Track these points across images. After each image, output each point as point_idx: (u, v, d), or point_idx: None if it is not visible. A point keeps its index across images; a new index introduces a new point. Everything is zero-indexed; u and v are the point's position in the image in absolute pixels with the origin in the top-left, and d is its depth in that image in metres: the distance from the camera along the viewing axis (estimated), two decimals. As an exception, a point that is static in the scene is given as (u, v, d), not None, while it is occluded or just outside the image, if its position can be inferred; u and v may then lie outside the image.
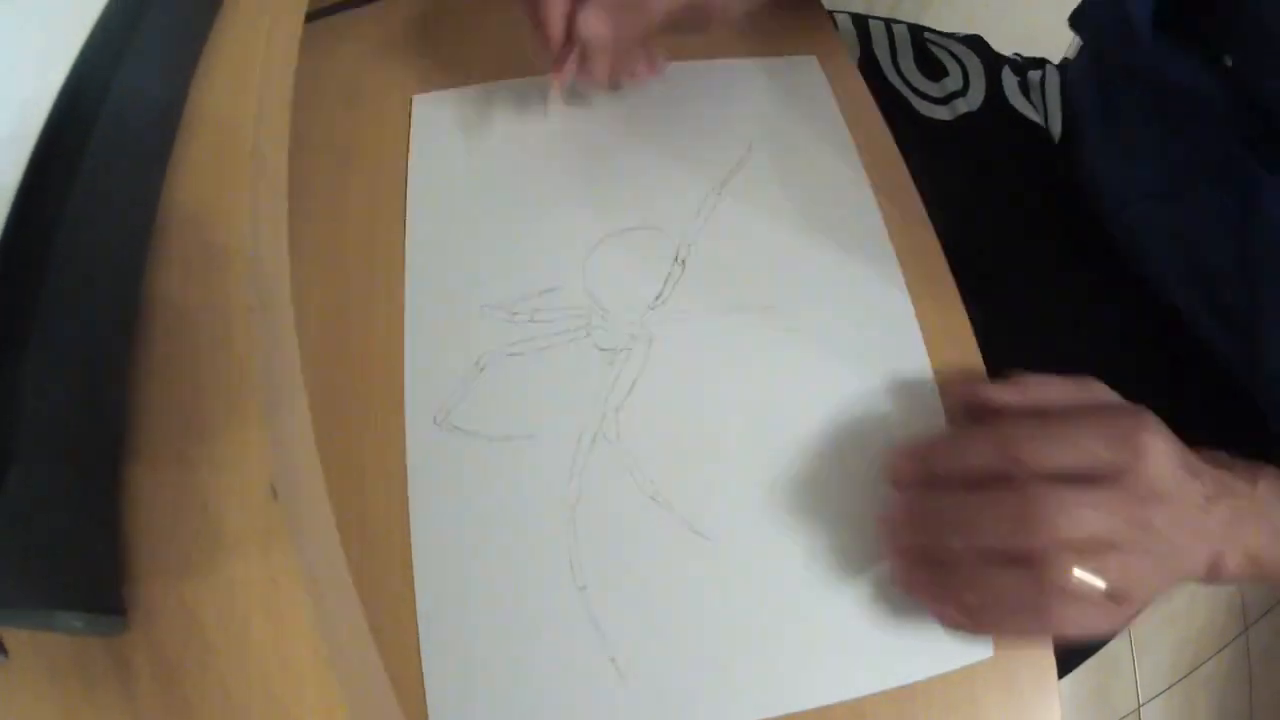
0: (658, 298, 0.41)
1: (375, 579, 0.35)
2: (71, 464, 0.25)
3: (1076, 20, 0.49)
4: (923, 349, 0.41)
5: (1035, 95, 0.61)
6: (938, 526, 0.35)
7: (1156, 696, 1.19)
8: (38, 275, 0.26)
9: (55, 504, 0.24)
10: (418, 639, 0.35)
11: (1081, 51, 0.59)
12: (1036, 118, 0.59)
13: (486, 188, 0.44)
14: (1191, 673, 1.21)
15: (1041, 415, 0.36)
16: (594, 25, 0.38)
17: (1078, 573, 0.32)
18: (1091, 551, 0.33)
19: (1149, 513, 0.34)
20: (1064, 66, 0.62)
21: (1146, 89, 0.47)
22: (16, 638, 0.24)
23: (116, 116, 0.29)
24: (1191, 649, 1.21)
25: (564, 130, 0.46)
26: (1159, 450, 0.34)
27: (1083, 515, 0.33)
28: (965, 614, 0.35)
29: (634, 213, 0.43)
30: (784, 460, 0.38)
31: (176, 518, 0.25)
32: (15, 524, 0.23)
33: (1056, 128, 0.59)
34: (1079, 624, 0.33)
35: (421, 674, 0.34)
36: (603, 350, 0.40)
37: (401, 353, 0.39)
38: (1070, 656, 0.51)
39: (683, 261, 0.42)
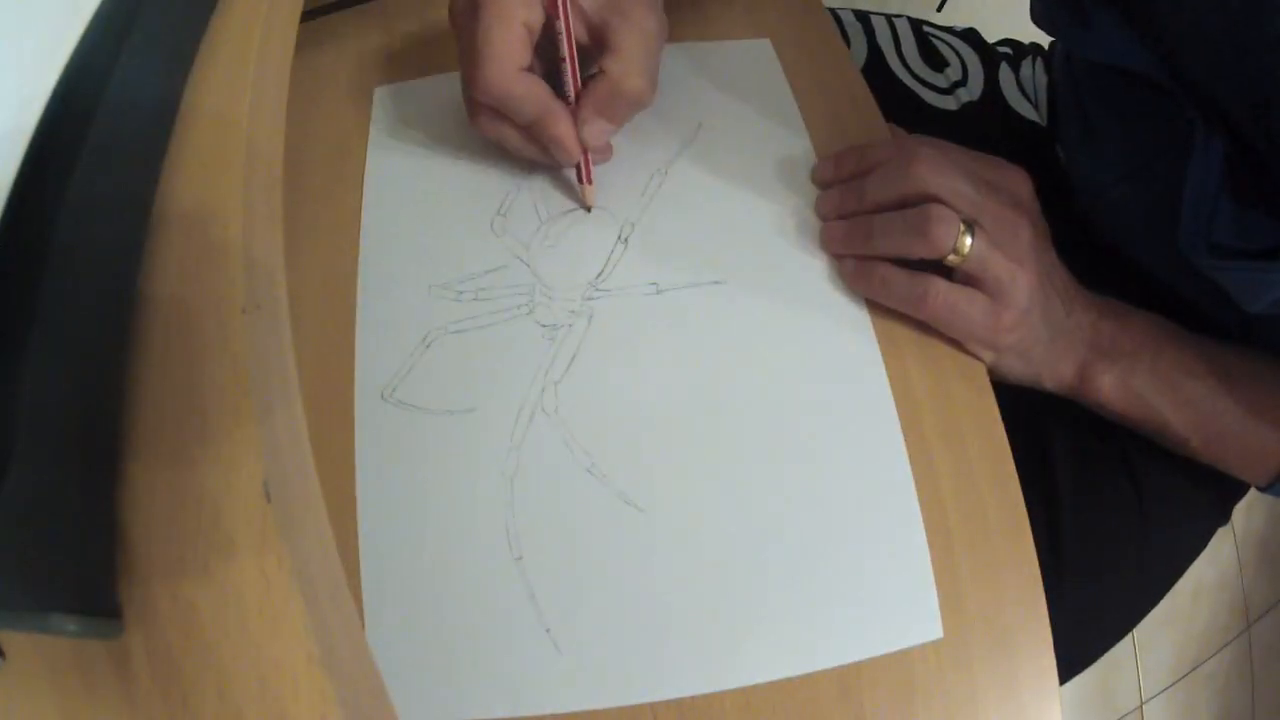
0: (599, 275, 0.42)
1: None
2: (68, 465, 0.25)
3: (1033, 13, 0.50)
4: (869, 327, 0.41)
5: (1028, 86, 0.61)
6: (850, 201, 0.42)
7: (1159, 694, 1.19)
8: (34, 273, 0.26)
9: (51, 505, 0.24)
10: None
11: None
12: (1031, 114, 0.59)
13: (439, 174, 0.45)
14: (1193, 671, 1.20)
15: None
16: (599, 138, 0.42)
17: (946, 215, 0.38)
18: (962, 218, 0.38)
19: (1016, 219, 0.39)
20: (1049, 57, 0.62)
21: (1104, 73, 0.48)
22: (15, 639, 0.24)
23: (112, 113, 0.29)
24: (1193, 647, 1.21)
25: None
26: (1030, 192, 0.41)
27: (954, 175, 0.39)
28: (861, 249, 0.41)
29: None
30: (721, 434, 0.39)
31: (173, 518, 0.25)
32: (11, 525, 0.23)
33: (1044, 116, 0.60)
34: (955, 305, 0.39)
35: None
36: (544, 326, 0.41)
37: (353, 332, 0.41)
38: (1073, 664, 0.51)
39: (626, 240, 0.43)
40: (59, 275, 0.27)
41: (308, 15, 0.43)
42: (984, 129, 0.58)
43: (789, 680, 0.35)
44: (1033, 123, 0.59)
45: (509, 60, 0.39)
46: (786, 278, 0.42)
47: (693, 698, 0.34)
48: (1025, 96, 0.60)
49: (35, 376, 0.25)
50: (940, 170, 0.39)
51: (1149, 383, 0.42)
